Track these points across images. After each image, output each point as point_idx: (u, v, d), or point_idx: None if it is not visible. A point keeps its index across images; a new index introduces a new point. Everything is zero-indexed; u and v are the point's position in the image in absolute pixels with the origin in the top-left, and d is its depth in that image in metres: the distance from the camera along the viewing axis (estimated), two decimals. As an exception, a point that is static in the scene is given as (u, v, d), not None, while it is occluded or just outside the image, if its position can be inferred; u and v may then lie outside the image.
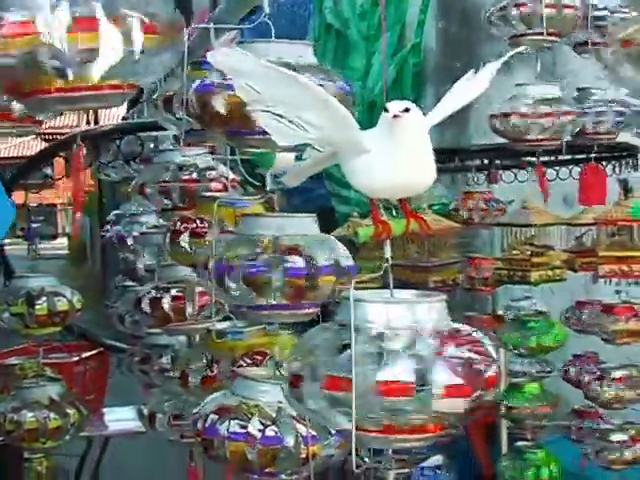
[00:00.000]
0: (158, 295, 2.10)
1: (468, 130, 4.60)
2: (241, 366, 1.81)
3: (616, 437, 2.85)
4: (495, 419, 3.36)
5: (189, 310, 2.05)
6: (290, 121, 1.20)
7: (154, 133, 2.48)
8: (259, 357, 1.83)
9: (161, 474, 2.96)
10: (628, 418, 2.92)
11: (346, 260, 1.58)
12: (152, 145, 2.58)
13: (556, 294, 3.32)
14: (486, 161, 3.04)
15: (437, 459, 2.84)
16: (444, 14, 4.99)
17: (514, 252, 2.84)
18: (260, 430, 1.53)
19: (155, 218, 2.48)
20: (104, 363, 4.73)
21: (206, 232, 1.92)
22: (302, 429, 1.52)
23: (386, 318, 1.18)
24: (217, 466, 1.71)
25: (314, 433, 1.52)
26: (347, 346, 1.17)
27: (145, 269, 2.56)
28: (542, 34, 2.47)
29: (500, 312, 3.10)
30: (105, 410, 4.58)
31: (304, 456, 1.52)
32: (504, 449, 3.30)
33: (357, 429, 1.16)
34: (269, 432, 1.53)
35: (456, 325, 1.23)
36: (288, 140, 1.23)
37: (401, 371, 1.11)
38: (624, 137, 3.09)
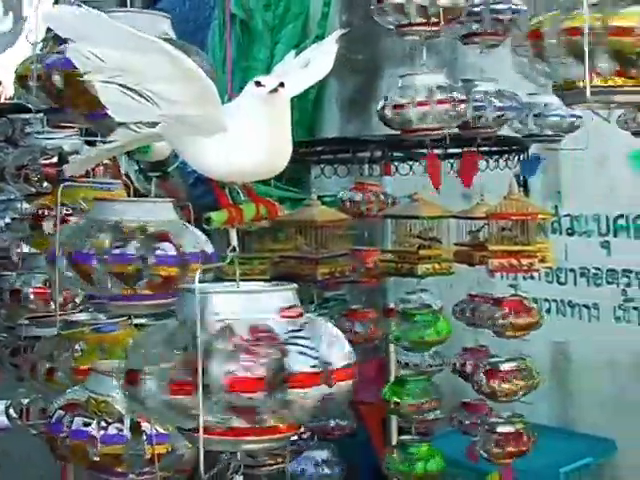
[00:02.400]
0: (18, 285, 2.01)
1: (371, 122, 4.58)
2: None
3: (503, 429, 2.85)
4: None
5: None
6: (139, 94, 1.10)
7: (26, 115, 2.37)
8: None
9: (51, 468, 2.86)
10: (516, 411, 2.92)
11: (209, 248, 1.53)
12: (27, 128, 2.47)
13: (454, 288, 3.32)
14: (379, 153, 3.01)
15: (323, 453, 2.81)
16: (348, 7, 4.97)
17: (405, 244, 2.82)
18: (103, 428, 1.46)
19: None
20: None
21: (70, 219, 1.83)
22: (148, 427, 1.45)
23: (231, 310, 1.12)
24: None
25: (162, 431, 1.45)
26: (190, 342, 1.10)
27: (16, 257, 2.45)
28: (427, 24, 2.44)
29: (391, 305, 3.09)
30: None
31: (149, 456, 1.44)
32: (394, 441, 3.29)
33: (205, 431, 1.10)
34: (111, 430, 1.45)
35: (309, 315, 1.19)
36: (130, 116, 1.13)
37: (249, 365, 1.06)
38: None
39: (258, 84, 1.14)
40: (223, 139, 1.15)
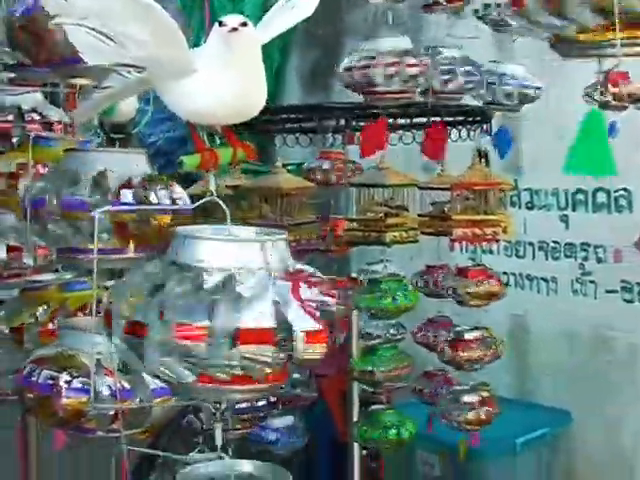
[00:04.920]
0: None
1: (332, 96, 4.56)
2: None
3: (468, 398, 2.87)
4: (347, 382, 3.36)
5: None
6: (107, 37, 1.09)
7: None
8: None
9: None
10: (480, 379, 2.94)
11: (182, 200, 1.51)
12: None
13: (414, 260, 3.33)
14: (342, 122, 2.99)
15: (288, 420, 2.80)
16: (311, -22, 4.94)
17: (369, 213, 2.81)
18: (67, 382, 1.42)
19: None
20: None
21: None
22: (112, 382, 1.41)
23: (231, 257, 1.12)
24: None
25: (128, 387, 1.42)
26: (198, 288, 1.09)
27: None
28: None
29: (354, 274, 3.08)
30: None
31: (113, 413, 1.41)
32: (355, 412, 3.30)
33: (201, 381, 1.09)
34: (76, 384, 1.42)
35: (298, 265, 1.18)
36: (102, 59, 1.12)
37: (260, 316, 1.04)
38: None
39: (221, 24, 1.13)
40: (193, 81, 1.15)
